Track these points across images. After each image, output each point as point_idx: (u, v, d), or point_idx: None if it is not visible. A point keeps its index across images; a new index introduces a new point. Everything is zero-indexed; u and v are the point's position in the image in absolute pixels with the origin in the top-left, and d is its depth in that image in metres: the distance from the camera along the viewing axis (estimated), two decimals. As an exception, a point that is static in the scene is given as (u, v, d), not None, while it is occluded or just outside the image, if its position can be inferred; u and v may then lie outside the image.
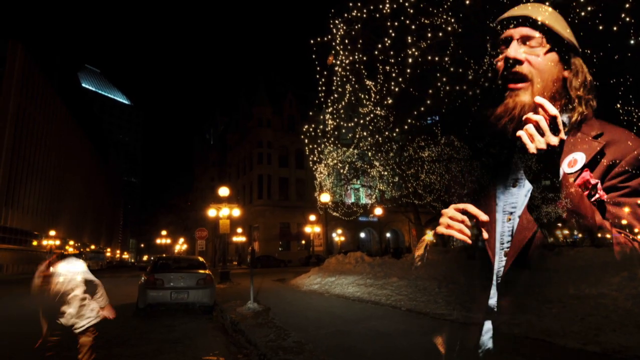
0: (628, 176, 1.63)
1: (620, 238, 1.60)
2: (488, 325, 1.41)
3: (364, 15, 10.87)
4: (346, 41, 11.76)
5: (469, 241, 1.53)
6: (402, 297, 8.69)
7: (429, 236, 1.66)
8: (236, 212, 16.85)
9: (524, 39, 1.95)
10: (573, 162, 1.67)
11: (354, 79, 13.05)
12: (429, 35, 9.52)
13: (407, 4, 9.49)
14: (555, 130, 1.37)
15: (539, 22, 1.93)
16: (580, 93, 1.84)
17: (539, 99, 1.42)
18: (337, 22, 11.77)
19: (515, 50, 1.94)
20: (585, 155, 1.65)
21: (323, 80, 13.15)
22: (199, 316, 8.23)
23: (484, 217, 1.55)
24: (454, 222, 1.52)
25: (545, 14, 1.98)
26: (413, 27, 9.62)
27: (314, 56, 12.36)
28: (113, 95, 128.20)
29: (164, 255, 19.11)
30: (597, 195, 1.59)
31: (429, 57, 9.93)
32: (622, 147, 1.64)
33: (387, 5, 9.86)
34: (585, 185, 1.60)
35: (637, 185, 1.64)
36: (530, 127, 1.40)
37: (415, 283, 9.60)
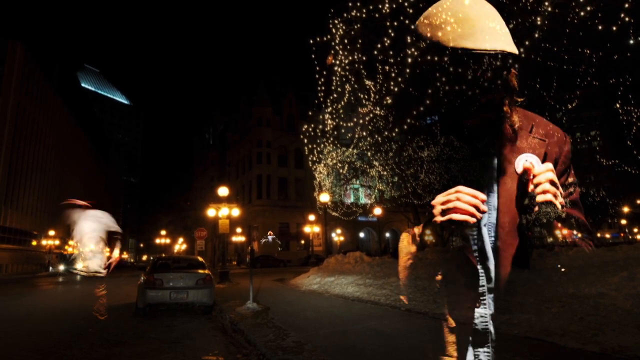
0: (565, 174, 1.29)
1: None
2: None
3: (364, 15, 10.87)
4: (345, 41, 11.76)
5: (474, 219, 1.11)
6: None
7: (427, 235, 1.26)
8: (235, 211, 16.83)
9: None
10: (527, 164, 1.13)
11: (353, 79, 13.04)
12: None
13: (406, 4, 9.49)
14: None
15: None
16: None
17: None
18: (336, 22, 11.77)
19: None
20: (536, 155, 1.20)
21: (322, 80, 13.15)
22: (198, 316, 8.23)
23: (482, 196, 1.15)
24: (463, 202, 1.12)
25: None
26: (412, 26, 9.60)
27: (313, 56, 12.35)
28: (113, 95, 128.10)
29: (164, 255, 19.10)
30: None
31: (428, 57, 9.92)
32: (554, 142, 1.33)
33: (387, 5, 9.86)
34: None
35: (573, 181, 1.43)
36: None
37: (415, 283, 9.60)
